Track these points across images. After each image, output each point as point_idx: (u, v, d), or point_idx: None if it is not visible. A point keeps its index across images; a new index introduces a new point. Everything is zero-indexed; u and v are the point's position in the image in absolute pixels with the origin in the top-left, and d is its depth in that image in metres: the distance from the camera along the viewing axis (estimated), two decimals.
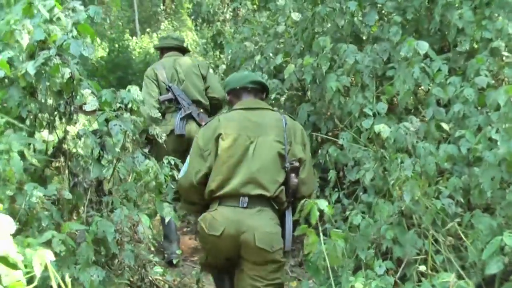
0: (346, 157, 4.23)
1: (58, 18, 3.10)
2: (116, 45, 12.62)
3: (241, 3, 6.71)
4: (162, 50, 5.69)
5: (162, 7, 22.59)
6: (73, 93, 3.16)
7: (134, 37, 17.81)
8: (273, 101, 5.57)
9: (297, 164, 3.30)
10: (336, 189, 4.35)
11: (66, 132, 3.33)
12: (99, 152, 3.22)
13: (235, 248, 3.24)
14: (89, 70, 11.11)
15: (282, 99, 5.75)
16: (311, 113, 5.07)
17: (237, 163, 3.27)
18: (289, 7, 5.48)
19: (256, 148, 3.29)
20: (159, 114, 3.86)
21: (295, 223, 3.30)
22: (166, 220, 3.68)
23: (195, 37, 14.42)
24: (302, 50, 5.14)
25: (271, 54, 5.66)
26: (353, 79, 4.47)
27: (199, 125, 5.05)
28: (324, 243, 2.79)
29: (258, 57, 5.75)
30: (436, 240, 3.15)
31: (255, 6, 6.77)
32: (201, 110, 5.30)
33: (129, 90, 3.40)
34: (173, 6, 21.84)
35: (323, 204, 2.76)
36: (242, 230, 3.17)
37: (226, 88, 3.72)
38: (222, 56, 7.14)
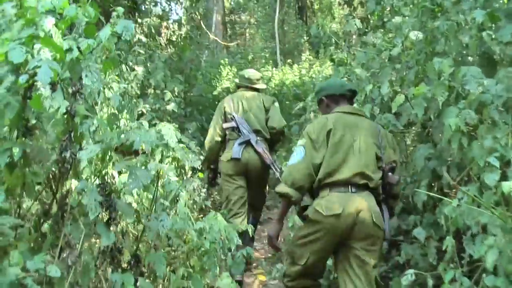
0: (468, 221, 3.09)
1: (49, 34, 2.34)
2: None
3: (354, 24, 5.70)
4: (238, 86, 6.37)
5: (305, 37, 22.19)
6: (71, 134, 2.37)
7: (274, 68, 17.52)
8: None
9: (394, 164, 3.72)
10: (454, 264, 3.22)
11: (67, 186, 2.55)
12: (108, 214, 2.41)
13: (350, 227, 3.50)
14: (211, 102, 10.66)
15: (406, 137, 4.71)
16: (431, 156, 3.97)
17: (345, 156, 3.63)
18: (407, 25, 4.43)
19: (360, 146, 3.65)
20: (199, 163, 3.20)
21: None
22: None
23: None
24: (417, 77, 4.06)
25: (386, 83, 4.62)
26: (480, 114, 3.31)
27: (256, 152, 5.65)
28: None
29: (369, 87, 4.72)
30: None
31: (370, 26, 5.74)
32: (260, 138, 5.78)
33: (159, 131, 2.58)
34: (312, 48, 21.25)
35: None
36: (359, 209, 3.49)
37: (323, 92, 4.09)
38: None
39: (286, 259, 4.07)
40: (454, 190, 3.74)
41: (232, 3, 27.02)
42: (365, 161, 3.63)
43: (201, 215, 5.27)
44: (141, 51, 7.85)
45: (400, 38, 4.55)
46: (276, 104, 6.07)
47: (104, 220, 2.42)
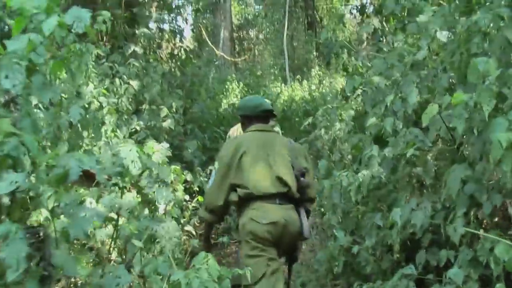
0: None
1: None
2: (250, 92, 11.65)
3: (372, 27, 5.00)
4: None
5: (315, 53, 21.70)
6: None
7: (283, 85, 17.08)
8: (413, 158, 3.81)
9: (304, 170, 3.94)
10: None
11: None
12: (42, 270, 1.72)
13: (281, 234, 3.76)
14: (216, 119, 10.02)
15: (429, 156, 3.99)
16: (467, 179, 3.26)
17: (264, 172, 3.82)
18: (434, 24, 3.75)
19: (275, 159, 3.88)
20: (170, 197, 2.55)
21: None
22: None
23: (343, 83, 13.27)
24: (451, 83, 3.37)
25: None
26: None
27: None
28: None
29: (390, 97, 4.04)
30: None
31: (389, 29, 5.02)
32: None
33: (117, 153, 1.89)
34: (322, 58, 20.70)
35: None
36: (287, 221, 3.75)
37: (240, 111, 4.30)
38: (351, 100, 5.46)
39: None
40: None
41: (240, 19, 26.58)
42: (283, 170, 3.87)
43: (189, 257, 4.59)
44: (136, 64, 7.18)
45: (426, 40, 3.88)
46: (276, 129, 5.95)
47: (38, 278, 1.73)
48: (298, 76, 18.10)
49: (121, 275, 1.89)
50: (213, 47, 17.36)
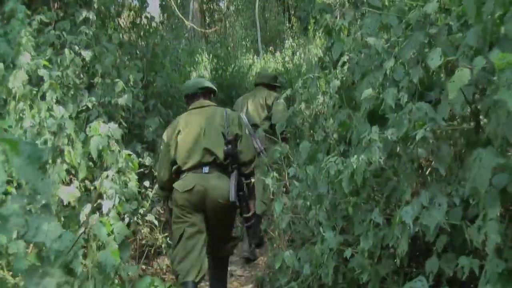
0: None
1: None
2: (221, 64, 10.84)
3: None
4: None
5: (287, 24, 21.05)
6: None
7: (256, 57, 16.44)
8: (419, 143, 2.98)
9: (231, 138, 4.59)
10: None
11: None
12: None
13: (202, 201, 4.44)
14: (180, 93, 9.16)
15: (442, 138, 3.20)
16: (497, 168, 2.47)
17: (194, 145, 4.52)
18: None
19: (206, 132, 4.57)
20: None
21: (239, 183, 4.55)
22: None
23: (319, 53, 12.59)
24: (479, 43, 2.56)
25: (413, 56, 3.14)
26: None
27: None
28: None
29: (390, 63, 3.23)
30: None
31: None
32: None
33: None
34: (299, 23, 20.02)
35: None
36: (207, 187, 4.43)
37: (183, 92, 5.26)
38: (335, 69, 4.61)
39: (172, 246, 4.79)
40: None
41: None
42: (211, 141, 4.52)
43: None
44: (87, 31, 6.23)
45: None
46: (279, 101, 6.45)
47: None
48: (270, 48, 17.47)
49: None
50: (183, 18, 16.43)
